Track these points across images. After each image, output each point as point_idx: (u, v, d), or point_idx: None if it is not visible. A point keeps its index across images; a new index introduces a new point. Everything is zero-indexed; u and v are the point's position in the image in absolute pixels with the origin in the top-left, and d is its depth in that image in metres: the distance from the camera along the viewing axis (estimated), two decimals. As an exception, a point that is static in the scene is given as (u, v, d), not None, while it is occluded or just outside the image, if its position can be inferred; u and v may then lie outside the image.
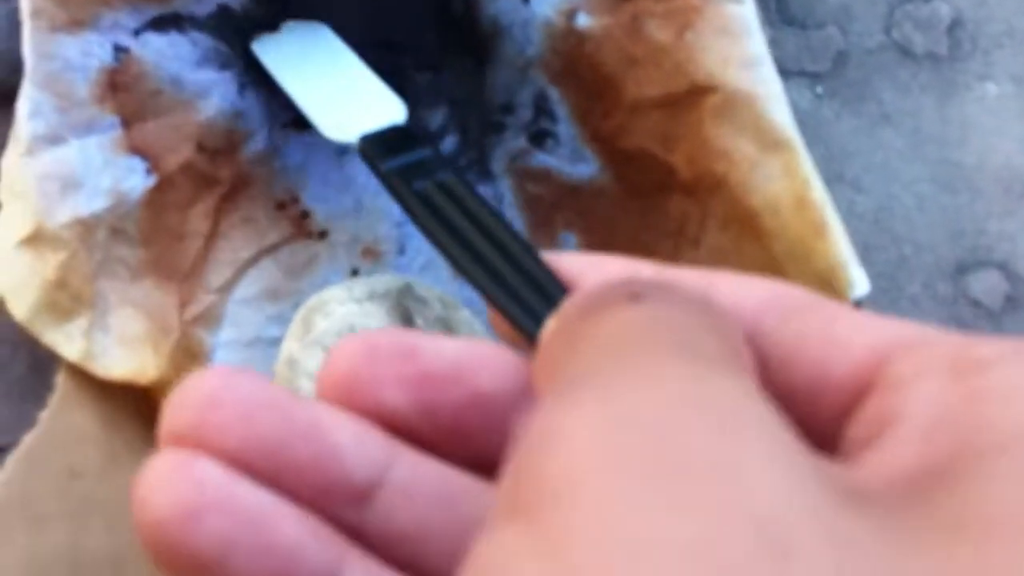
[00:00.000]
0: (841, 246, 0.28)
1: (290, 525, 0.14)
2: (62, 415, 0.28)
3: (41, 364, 0.30)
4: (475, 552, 0.11)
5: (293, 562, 0.14)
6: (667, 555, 0.10)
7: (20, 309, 0.28)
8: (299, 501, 0.15)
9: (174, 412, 0.15)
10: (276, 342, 0.32)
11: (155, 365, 0.28)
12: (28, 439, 0.27)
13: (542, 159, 0.32)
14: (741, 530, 0.10)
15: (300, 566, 0.14)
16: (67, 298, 0.28)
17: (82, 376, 0.28)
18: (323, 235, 0.32)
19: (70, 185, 0.28)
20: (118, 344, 0.29)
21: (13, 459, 0.27)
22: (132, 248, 0.30)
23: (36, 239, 0.28)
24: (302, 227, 0.31)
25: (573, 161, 0.32)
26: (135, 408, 0.29)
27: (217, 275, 0.31)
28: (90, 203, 0.29)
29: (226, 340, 0.31)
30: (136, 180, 0.29)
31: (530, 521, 0.11)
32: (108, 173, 0.29)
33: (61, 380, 0.28)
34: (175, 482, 0.14)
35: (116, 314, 0.29)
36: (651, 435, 0.12)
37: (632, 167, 0.31)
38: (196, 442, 0.14)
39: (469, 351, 0.16)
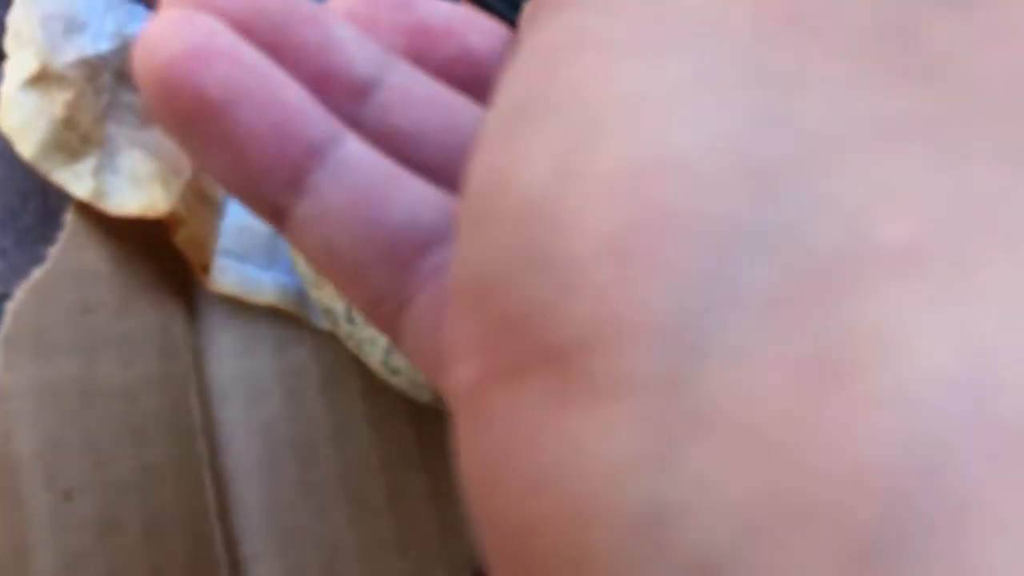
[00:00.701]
0: None
1: (295, 90, 0.14)
2: (72, 252, 0.28)
3: (51, 214, 0.30)
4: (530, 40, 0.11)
5: (296, 120, 0.14)
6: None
7: (28, 147, 0.28)
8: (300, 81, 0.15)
9: None
10: (288, 190, 0.31)
11: (166, 200, 0.28)
12: (38, 273, 0.27)
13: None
14: None
15: (302, 125, 0.14)
16: (75, 138, 0.28)
17: (92, 216, 0.28)
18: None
19: (74, 26, 0.28)
20: (128, 183, 0.28)
21: (24, 290, 0.26)
22: (138, 95, 0.29)
23: (42, 78, 0.28)
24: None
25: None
26: (146, 248, 0.29)
27: (226, 124, 0.30)
28: (95, 44, 0.28)
29: (237, 187, 0.31)
30: (140, 26, 0.29)
31: None
32: (111, 17, 0.29)
33: (70, 219, 0.28)
34: (185, 28, 0.13)
35: (125, 155, 0.29)
36: None
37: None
38: (202, 4, 0.14)
39: (461, 13, 0.16)
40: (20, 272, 0.28)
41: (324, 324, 0.30)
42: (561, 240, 0.09)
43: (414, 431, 0.29)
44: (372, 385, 0.29)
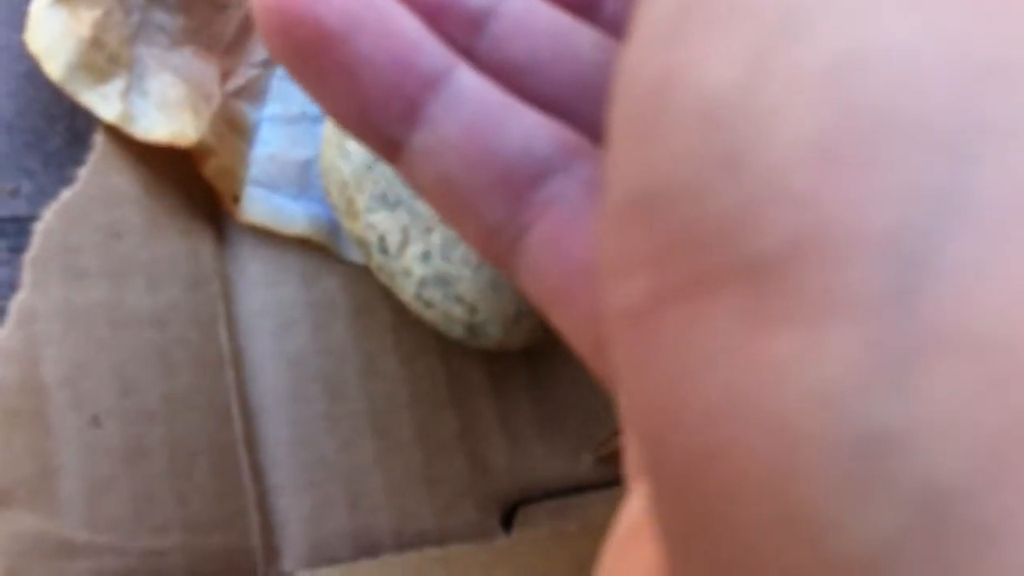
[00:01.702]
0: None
1: (410, 22, 0.14)
2: (101, 175, 0.27)
3: (79, 136, 0.29)
4: None
5: (412, 51, 0.14)
6: None
7: (55, 68, 0.27)
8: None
9: None
10: (321, 119, 0.31)
11: (195, 128, 0.27)
12: (67, 195, 0.26)
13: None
14: None
15: (418, 57, 0.14)
16: (103, 59, 0.27)
17: (121, 140, 0.27)
18: (366, 11, 0.30)
19: (105, -58, 0.27)
20: (157, 108, 0.28)
21: (52, 212, 0.26)
22: (171, 15, 0.29)
23: (71, -4, 0.27)
24: (344, 3, 0.30)
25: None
26: (175, 174, 0.28)
27: (260, 49, 0.30)
28: (126, -40, 0.28)
29: (270, 115, 0.30)
30: (172, -57, 0.28)
31: None
32: (144, -68, 0.28)
33: (99, 142, 0.27)
34: None
35: (155, 78, 0.28)
36: None
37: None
38: None
39: None
40: (48, 194, 0.28)
41: (355, 257, 0.29)
42: (757, 143, 0.08)
43: (444, 368, 0.29)
44: (402, 320, 0.29)
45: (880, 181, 0.07)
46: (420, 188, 0.15)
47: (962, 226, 0.07)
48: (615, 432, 0.28)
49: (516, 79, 0.15)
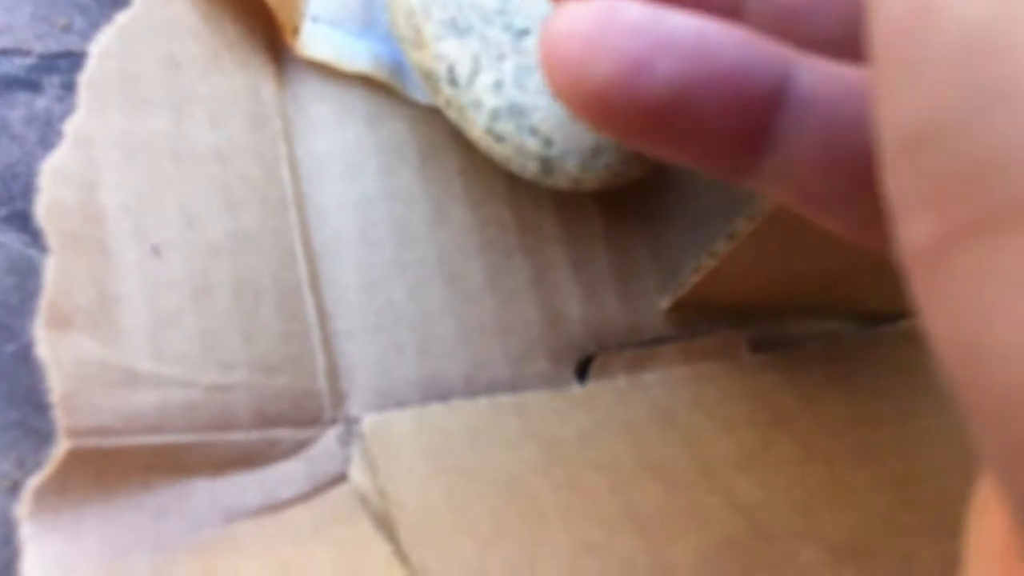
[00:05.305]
0: None
1: (729, 43, 0.12)
2: (159, 3, 0.26)
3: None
4: None
5: (742, 80, 0.12)
6: None
7: None
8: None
9: None
10: (383, -46, 0.29)
11: (255, -47, 0.26)
12: (122, 18, 0.25)
13: None
14: None
15: (749, 82, 0.12)
16: None
17: (177, -33, 0.26)
18: None
19: None
20: (214, -68, 0.26)
21: (107, 35, 0.25)
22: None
23: None
24: None
25: None
26: (234, 5, 0.27)
27: None
28: None
29: (329, -52, 0.28)
30: None
31: None
32: None
33: (155, -32, 0.26)
34: (609, 41, 0.12)
35: (211, -97, 0.26)
36: None
37: None
38: None
39: None
40: (101, 30, 0.26)
41: (420, 96, 0.28)
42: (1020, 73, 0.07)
43: (514, 214, 0.27)
44: (471, 164, 0.27)
45: None
46: (775, 200, 0.13)
47: None
48: (689, 276, 0.26)
49: (796, 27, 0.13)
